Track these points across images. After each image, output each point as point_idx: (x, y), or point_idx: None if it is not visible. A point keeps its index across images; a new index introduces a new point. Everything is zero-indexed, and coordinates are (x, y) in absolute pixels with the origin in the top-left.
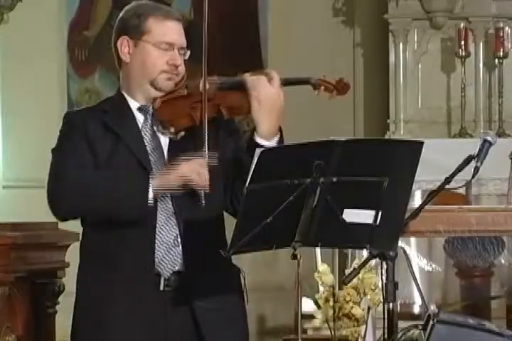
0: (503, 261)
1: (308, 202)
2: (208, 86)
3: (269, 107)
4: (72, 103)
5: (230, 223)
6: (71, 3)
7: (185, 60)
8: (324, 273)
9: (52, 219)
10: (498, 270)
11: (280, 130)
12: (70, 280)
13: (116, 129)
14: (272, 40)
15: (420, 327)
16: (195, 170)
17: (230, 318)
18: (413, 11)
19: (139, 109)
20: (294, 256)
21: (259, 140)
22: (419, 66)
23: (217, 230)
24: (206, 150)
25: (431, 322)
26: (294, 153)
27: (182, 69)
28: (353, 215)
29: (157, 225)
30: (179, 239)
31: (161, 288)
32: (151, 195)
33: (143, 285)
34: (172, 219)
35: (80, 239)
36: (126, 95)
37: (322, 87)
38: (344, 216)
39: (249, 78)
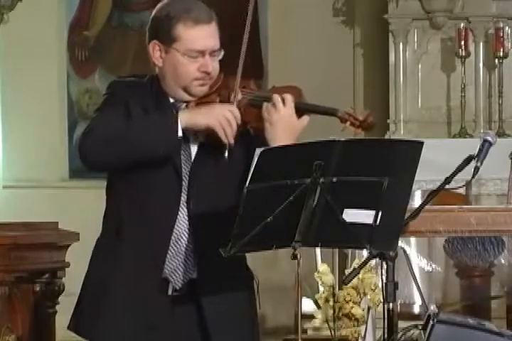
0: (503, 261)
1: (308, 202)
2: (240, 97)
3: (281, 128)
4: (72, 103)
5: None
6: (71, 3)
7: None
8: (324, 273)
9: (53, 219)
10: (498, 270)
11: None
12: (70, 280)
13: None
14: (272, 40)
15: (420, 327)
16: (226, 117)
17: (239, 325)
18: (413, 11)
19: (173, 105)
20: (294, 256)
21: None
22: (419, 66)
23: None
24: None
25: (431, 322)
26: (294, 153)
27: (215, 71)
28: (353, 215)
29: (172, 238)
30: (193, 249)
31: (170, 292)
32: (179, 127)
33: (149, 289)
34: (186, 233)
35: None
36: (164, 89)
37: (348, 122)
38: (344, 216)
39: (266, 97)
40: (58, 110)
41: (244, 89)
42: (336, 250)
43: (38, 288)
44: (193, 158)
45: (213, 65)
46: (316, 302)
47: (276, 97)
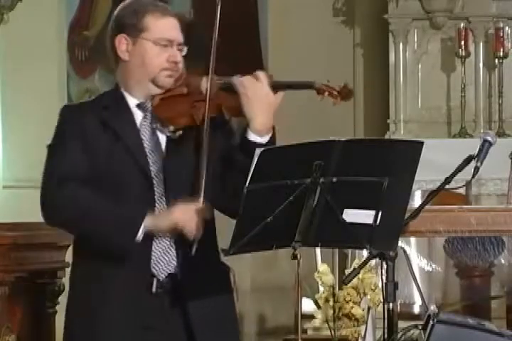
0: (503, 261)
1: (308, 202)
2: (210, 85)
3: (259, 103)
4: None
5: (224, 223)
6: (71, 3)
7: (183, 57)
8: (324, 273)
9: None
10: (498, 270)
11: (273, 128)
12: None
13: (115, 127)
14: (272, 40)
15: (420, 327)
16: (189, 218)
17: (223, 319)
18: (413, 11)
19: (138, 106)
20: (294, 256)
21: (251, 136)
22: (419, 66)
23: (209, 232)
24: (205, 155)
25: (431, 322)
26: (294, 153)
27: (181, 65)
28: (353, 215)
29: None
30: (174, 242)
31: (154, 290)
32: (140, 234)
33: (137, 287)
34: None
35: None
36: (124, 92)
37: (326, 93)
38: (344, 216)
39: (236, 79)
40: (58, 110)
41: (213, 77)
42: (336, 250)
43: (38, 288)
44: (163, 151)
45: (180, 58)
46: (316, 302)
47: (250, 75)
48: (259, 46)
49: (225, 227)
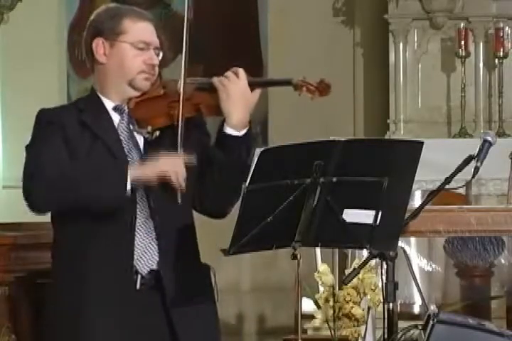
0: (503, 261)
1: (308, 202)
2: (185, 86)
3: (237, 99)
4: None
5: (224, 223)
6: (71, 3)
7: (160, 61)
8: (324, 273)
9: None
10: (498, 270)
11: (249, 122)
12: None
13: (93, 128)
14: (272, 40)
15: (420, 327)
16: (174, 168)
17: (203, 317)
18: (413, 11)
19: (114, 109)
20: (294, 256)
21: (228, 130)
22: (419, 66)
23: (189, 230)
24: (180, 149)
25: (431, 322)
26: (294, 153)
27: (157, 68)
28: (353, 215)
29: (136, 225)
30: (156, 238)
31: (138, 286)
32: (128, 185)
33: (120, 284)
34: (149, 220)
35: (53, 236)
36: (100, 96)
37: (304, 88)
38: (344, 216)
39: (215, 77)
40: None
41: (188, 78)
42: (336, 250)
43: (38, 288)
44: (142, 152)
45: (157, 61)
46: (316, 302)
47: (229, 72)
48: (259, 46)
49: (225, 227)
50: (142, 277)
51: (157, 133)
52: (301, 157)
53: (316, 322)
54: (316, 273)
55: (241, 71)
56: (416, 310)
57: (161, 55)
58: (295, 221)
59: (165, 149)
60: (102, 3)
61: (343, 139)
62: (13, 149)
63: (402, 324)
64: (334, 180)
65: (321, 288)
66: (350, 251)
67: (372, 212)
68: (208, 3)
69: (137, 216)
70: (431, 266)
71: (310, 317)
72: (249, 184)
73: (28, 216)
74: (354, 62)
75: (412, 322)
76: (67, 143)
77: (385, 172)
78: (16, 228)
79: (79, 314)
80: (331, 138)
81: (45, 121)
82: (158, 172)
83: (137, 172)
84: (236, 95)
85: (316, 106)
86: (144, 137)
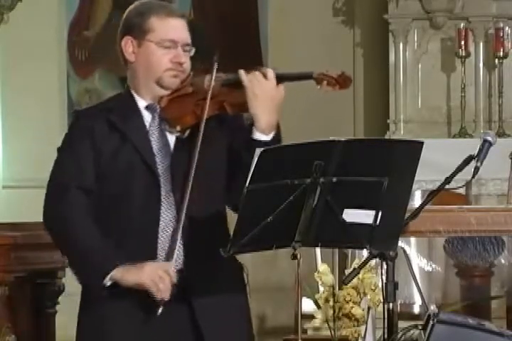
0: (503, 261)
1: (308, 202)
2: (213, 83)
3: (266, 101)
4: (72, 103)
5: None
6: (71, 3)
7: (190, 57)
8: (324, 273)
9: None
10: (498, 270)
11: (278, 125)
12: (70, 280)
13: (122, 128)
14: (272, 40)
15: (420, 327)
16: (157, 280)
17: (232, 317)
18: (413, 11)
19: (147, 108)
20: (294, 256)
21: (257, 135)
22: (419, 66)
23: (219, 228)
24: (196, 151)
25: (431, 322)
26: (294, 153)
27: (187, 66)
28: (353, 215)
29: (161, 223)
30: (180, 238)
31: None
32: (107, 282)
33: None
34: (172, 222)
35: None
36: (134, 94)
37: (325, 82)
38: (344, 216)
39: (244, 74)
40: (58, 110)
41: (215, 74)
42: (336, 250)
43: (38, 288)
44: (172, 151)
45: (186, 59)
46: (316, 302)
47: (258, 72)
48: (259, 46)
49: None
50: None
51: (188, 131)
52: (301, 157)
53: (316, 322)
54: (316, 273)
55: (270, 72)
56: (416, 310)
57: (192, 51)
58: (295, 221)
59: (194, 148)
60: (102, 3)
61: (343, 139)
62: (13, 149)
63: (402, 324)
64: (334, 180)
65: (321, 288)
66: (350, 251)
67: (372, 212)
68: (208, 3)
69: (162, 215)
70: (431, 266)
71: (310, 317)
72: (249, 184)
73: (28, 216)
74: (354, 62)
75: (412, 322)
76: (95, 146)
77: (385, 172)
78: (16, 228)
79: (104, 311)
80: (331, 138)
81: (77, 125)
82: (138, 281)
83: (118, 275)
84: (264, 97)
85: (316, 106)
86: (175, 136)
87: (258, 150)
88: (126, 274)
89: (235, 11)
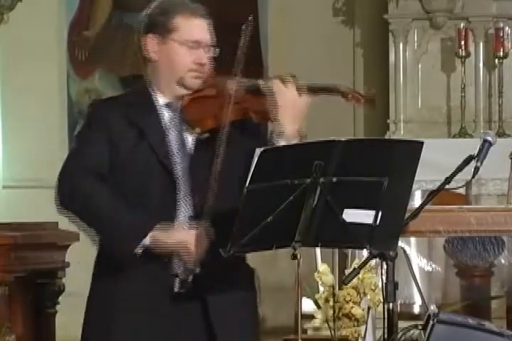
0: (503, 261)
1: (308, 202)
2: (236, 88)
3: (288, 110)
4: (72, 103)
5: None
6: (71, 3)
7: (212, 58)
8: (324, 273)
9: (53, 219)
10: (498, 270)
11: (303, 133)
12: (70, 280)
13: (140, 125)
14: (272, 40)
15: (420, 327)
16: (193, 241)
17: (243, 319)
18: (413, 11)
19: (167, 106)
20: (294, 256)
21: (280, 142)
22: (419, 66)
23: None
24: (217, 158)
25: (431, 322)
26: (294, 153)
27: (209, 66)
28: (353, 215)
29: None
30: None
31: (176, 289)
32: (141, 245)
33: (158, 284)
34: (189, 220)
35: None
36: (153, 90)
37: (350, 96)
38: (344, 216)
39: (266, 83)
40: (58, 110)
41: (239, 79)
42: (336, 250)
43: (38, 288)
44: (190, 152)
45: (208, 60)
46: (316, 302)
47: (278, 80)
48: (259, 46)
49: None
50: (181, 280)
51: (207, 134)
52: (301, 157)
53: (316, 322)
54: (316, 273)
55: (289, 79)
56: (416, 310)
57: (215, 51)
58: (295, 221)
59: (213, 149)
60: (102, 3)
61: (343, 139)
62: (13, 149)
63: (402, 324)
64: (334, 180)
65: (321, 288)
66: (350, 251)
67: (372, 212)
68: (208, 3)
69: (178, 215)
70: (431, 266)
71: (310, 317)
72: (249, 184)
73: (28, 216)
74: (354, 62)
75: (412, 322)
76: (111, 141)
77: (385, 172)
78: (16, 228)
79: (112, 313)
80: (331, 138)
81: (94, 118)
82: (176, 242)
83: (156, 236)
84: (287, 106)
85: (316, 106)
86: (193, 137)
87: (258, 150)
88: (161, 236)
89: (235, 10)
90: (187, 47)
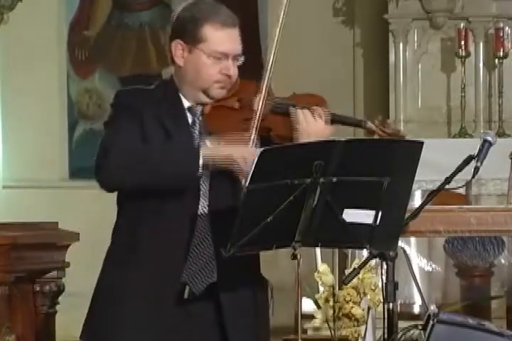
0: (503, 261)
1: (308, 202)
2: (263, 105)
3: (313, 138)
4: (72, 103)
5: None
6: (71, 3)
7: (238, 66)
8: (324, 273)
9: (53, 219)
10: (498, 270)
11: None
12: (70, 280)
13: (169, 127)
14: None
15: (420, 327)
16: (245, 155)
17: (256, 327)
18: (413, 11)
19: (189, 109)
20: (294, 256)
21: None
22: (419, 66)
23: None
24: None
25: (431, 322)
26: (294, 153)
27: (235, 76)
28: (353, 215)
29: (193, 242)
30: (214, 253)
31: (186, 296)
32: (201, 161)
33: (165, 294)
34: (208, 237)
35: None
36: (179, 93)
37: (375, 135)
38: (344, 216)
39: (296, 111)
40: (58, 110)
41: (268, 97)
42: (336, 250)
43: (38, 288)
44: None
45: (234, 70)
46: (316, 302)
47: (310, 111)
48: (259, 46)
49: None
50: (191, 289)
51: None
52: (301, 157)
53: (316, 322)
54: (316, 273)
55: (321, 111)
56: (416, 310)
57: (242, 59)
58: (295, 221)
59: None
60: (102, 3)
61: (343, 139)
62: (13, 149)
63: (402, 324)
64: (334, 180)
65: (321, 288)
66: (350, 251)
67: (372, 212)
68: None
69: (196, 229)
70: (431, 266)
71: (310, 317)
72: (249, 184)
73: (28, 216)
74: (354, 62)
75: (412, 322)
76: (142, 134)
77: (385, 172)
78: (16, 228)
79: (120, 324)
80: (331, 138)
81: (125, 105)
82: (229, 155)
83: (208, 150)
84: (314, 135)
85: None
86: None
87: (258, 150)
88: (215, 148)
89: (235, 10)
90: (214, 59)
